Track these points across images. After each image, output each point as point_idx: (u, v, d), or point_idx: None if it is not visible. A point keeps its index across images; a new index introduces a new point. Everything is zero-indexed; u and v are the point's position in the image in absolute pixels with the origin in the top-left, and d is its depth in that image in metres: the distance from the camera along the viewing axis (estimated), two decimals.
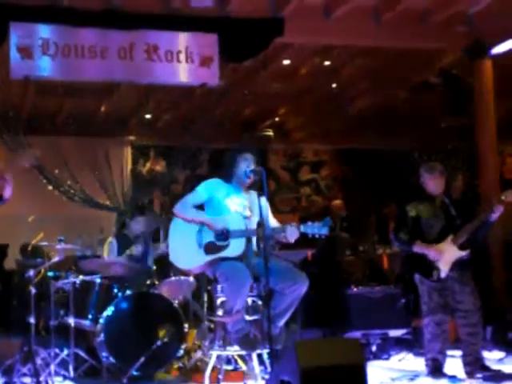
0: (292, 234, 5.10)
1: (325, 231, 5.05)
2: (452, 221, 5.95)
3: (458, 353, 6.25)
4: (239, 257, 5.13)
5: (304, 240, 5.28)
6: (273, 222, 5.36)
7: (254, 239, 5.22)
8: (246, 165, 5.29)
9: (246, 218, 5.27)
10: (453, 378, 5.81)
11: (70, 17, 7.23)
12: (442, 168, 6.11)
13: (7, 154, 10.29)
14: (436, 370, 5.93)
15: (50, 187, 10.18)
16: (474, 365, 5.88)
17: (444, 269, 5.86)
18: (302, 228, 5.08)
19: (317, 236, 5.06)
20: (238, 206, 5.33)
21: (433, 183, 6.01)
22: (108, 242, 7.36)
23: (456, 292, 5.90)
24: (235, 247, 5.14)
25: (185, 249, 5.24)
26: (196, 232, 5.26)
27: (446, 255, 5.85)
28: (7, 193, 5.12)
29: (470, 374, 5.85)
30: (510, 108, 10.12)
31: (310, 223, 5.08)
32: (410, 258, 6.10)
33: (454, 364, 6.19)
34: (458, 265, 5.88)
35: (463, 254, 5.87)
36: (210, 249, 5.19)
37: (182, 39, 7.61)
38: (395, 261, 9.43)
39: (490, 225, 5.86)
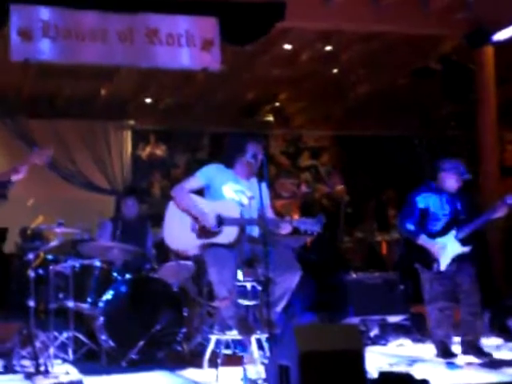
0: (284, 228, 5.18)
1: (317, 228, 5.08)
2: (457, 215, 6.04)
3: (457, 339, 6.30)
4: (230, 244, 5.13)
5: None
6: (269, 213, 5.33)
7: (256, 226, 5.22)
8: (252, 151, 5.27)
9: (243, 205, 5.25)
10: (451, 364, 5.84)
11: None
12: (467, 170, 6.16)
13: (10, 140, 10.33)
14: (445, 351, 6.03)
15: (50, 170, 10.16)
16: (471, 345, 6.01)
17: (444, 263, 5.94)
18: (295, 223, 5.13)
19: (309, 232, 5.10)
20: (236, 193, 5.31)
21: (453, 183, 6.06)
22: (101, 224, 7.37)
23: (456, 277, 6.02)
24: (227, 234, 5.12)
25: (178, 230, 5.27)
26: None
27: (448, 250, 5.94)
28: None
29: (466, 353, 5.98)
30: (510, 94, 10.09)
31: (303, 219, 5.15)
32: (411, 247, 6.15)
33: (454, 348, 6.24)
34: (458, 259, 5.97)
35: (465, 249, 5.97)
36: (202, 233, 5.19)
37: (183, 22, 7.54)
38: (394, 247, 9.44)
39: (490, 221, 5.97)
